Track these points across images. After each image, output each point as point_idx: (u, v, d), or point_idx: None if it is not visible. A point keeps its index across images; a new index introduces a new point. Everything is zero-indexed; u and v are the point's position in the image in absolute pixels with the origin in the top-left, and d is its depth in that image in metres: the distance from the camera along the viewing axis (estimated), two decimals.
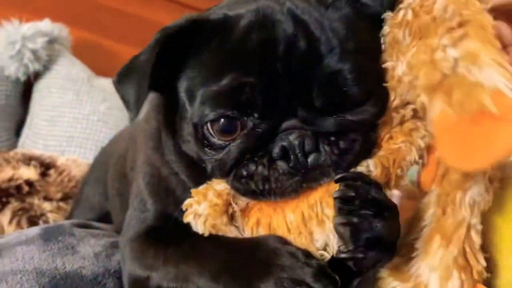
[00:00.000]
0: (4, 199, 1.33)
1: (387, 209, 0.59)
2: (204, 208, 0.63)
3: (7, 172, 1.40)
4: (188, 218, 0.64)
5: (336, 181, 0.59)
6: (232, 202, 0.63)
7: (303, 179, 0.59)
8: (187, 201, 0.65)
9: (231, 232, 0.63)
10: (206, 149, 0.64)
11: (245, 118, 0.60)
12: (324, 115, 0.60)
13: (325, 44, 0.59)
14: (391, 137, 0.62)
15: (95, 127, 1.84)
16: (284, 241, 0.60)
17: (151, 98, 0.78)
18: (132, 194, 0.80)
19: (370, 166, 0.60)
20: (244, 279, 0.59)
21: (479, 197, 0.62)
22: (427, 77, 0.55)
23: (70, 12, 2.02)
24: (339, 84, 0.59)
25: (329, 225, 0.58)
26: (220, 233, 0.63)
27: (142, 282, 0.67)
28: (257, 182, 0.60)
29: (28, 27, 1.81)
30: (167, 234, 0.68)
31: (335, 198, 0.57)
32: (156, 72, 0.63)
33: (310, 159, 0.59)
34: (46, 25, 1.86)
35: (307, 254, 0.58)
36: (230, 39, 0.62)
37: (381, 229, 0.57)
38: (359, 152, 0.60)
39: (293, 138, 0.59)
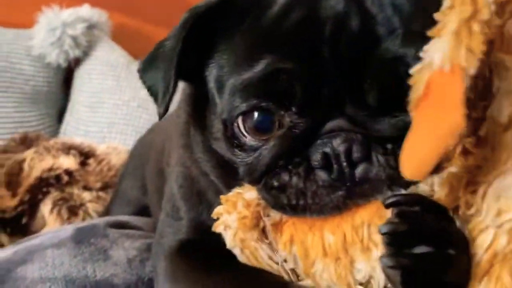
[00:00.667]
0: (44, 189, 1.33)
1: (453, 245, 0.45)
2: (233, 220, 0.53)
3: (48, 161, 1.40)
4: (218, 228, 0.55)
5: (387, 206, 0.46)
6: (262, 215, 0.53)
7: (347, 195, 0.48)
8: (217, 209, 0.56)
9: (262, 249, 0.53)
10: (236, 150, 0.54)
11: (282, 113, 0.50)
12: (379, 114, 0.48)
13: (384, 23, 0.48)
14: (466, 151, 0.48)
15: (135, 113, 1.83)
16: None
17: (183, 87, 0.70)
18: (165, 195, 0.74)
19: (435, 185, 0.47)
20: None
21: None
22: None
23: None
24: (399, 75, 0.45)
25: (377, 254, 0.46)
26: (251, 250, 0.53)
27: None
28: (290, 196, 0.49)
29: (69, 14, 1.81)
30: (203, 253, 0.60)
31: (382, 234, 0.44)
32: (185, 58, 0.55)
33: (359, 170, 0.47)
34: (85, 11, 1.85)
35: None
36: (265, 18, 0.52)
37: (442, 272, 0.44)
38: None
39: (338, 143, 0.47)
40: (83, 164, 1.46)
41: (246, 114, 0.51)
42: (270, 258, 0.53)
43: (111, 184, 1.47)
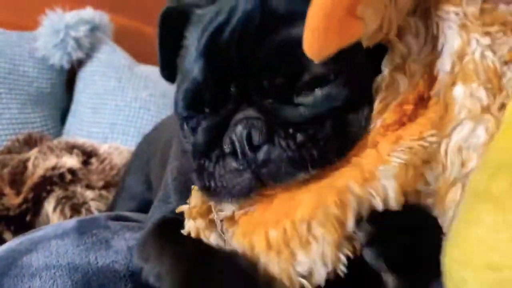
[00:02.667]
0: (48, 187, 1.35)
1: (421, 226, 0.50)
2: (191, 210, 0.58)
3: (51, 161, 1.42)
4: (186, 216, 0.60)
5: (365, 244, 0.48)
6: (213, 209, 0.56)
7: (254, 177, 0.51)
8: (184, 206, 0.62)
9: (213, 239, 0.56)
10: (186, 144, 0.64)
11: (201, 116, 0.57)
12: (282, 101, 0.52)
13: (282, 10, 0.53)
14: (401, 122, 0.51)
15: (137, 114, 1.85)
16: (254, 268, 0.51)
17: None
18: (162, 185, 0.79)
19: (388, 191, 0.48)
20: None
21: None
22: None
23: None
24: (289, 55, 0.50)
25: (317, 249, 0.47)
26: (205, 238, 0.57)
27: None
28: (204, 179, 0.55)
29: (71, 16, 1.83)
30: (178, 229, 0.63)
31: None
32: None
33: (260, 153, 0.50)
34: (88, 13, 1.88)
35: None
36: (205, 32, 0.59)
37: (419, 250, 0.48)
38: (326, 144, 0.50)
39: (239, 129, 0.51)
40: (86, 163, 1.48)
41: (186, 120, 0.60)
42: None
43: (113, 183, 1.49)
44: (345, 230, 0.47)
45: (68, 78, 1.94)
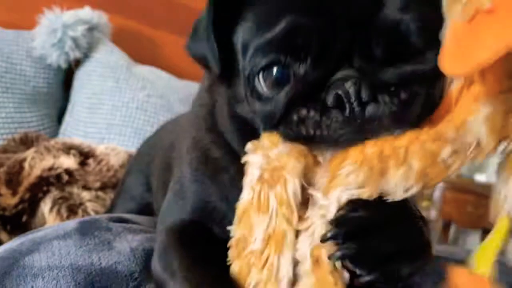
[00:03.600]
0: (45, 188, 1.34)
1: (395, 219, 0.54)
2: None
3: (48, 161, 1.41)
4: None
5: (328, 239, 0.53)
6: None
7: (358, 130, 0.54)
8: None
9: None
10: (257, 102, 0.60)
11: (299, 65, 0.55)
12: (383, 65, 0.54)
13: None
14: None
15: (134, 115, 1.85)
16: None
17: (203, 79, 0.78)
18: (173, 180, 0.78)
19: (480, 136, 0.52)
20: None
21: None
22: None
23: None
24: (401, 33, 0.53)
25: (404, 172, 0.53)
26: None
27: (161, 282, 0.63)
28: (308, 127, 0.55)
29: (69, 15, 1.83)
30: (201, 238, 0.64)
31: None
32: (216, 30, 0.61)
33: (368, 109, 0.53)
34: (86, 13, 1.87)
35: None
36: None
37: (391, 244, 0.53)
38: (422, 106, 0.54)
39: (348, 86, 0.53)
40: (82, 164, 1.47)
41: (266, 69, 0.57)
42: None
43: (109, 184, 1.48)
44: (437, 161, 0.52)
45: (66, 77, 1.93)
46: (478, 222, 2.60)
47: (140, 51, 2.06)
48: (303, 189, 0.56)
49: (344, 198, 0.54)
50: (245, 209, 0.57)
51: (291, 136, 0.57)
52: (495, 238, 0.53)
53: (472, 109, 0.53)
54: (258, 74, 0.58)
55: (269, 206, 0.55)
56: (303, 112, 0.55)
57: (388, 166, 0.53)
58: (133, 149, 1.64)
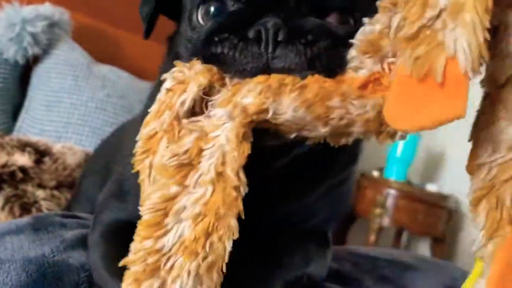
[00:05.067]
0: None
1: None
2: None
3: (2, 158, 1.38)
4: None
5: None
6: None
7: (267, 65, 0.57)
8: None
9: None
10: (189, 31, 0.65)
11: (233, 4, 0.61)
12: (307, 16, 0.59)
13: None
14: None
15: (93, 114, 1.83)
16: None
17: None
18: (110, 180, 0.78)
19: (367, 106, 0.53)
20: None
21: None
22: (407, 28, 0.50)
23: None
24: None
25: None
26: None
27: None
28: (224, 46, 0.58)
29: (29, 10, 1.79)
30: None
31: None
32: None
33: (279, 48, 0.56)
34: (47, 8, 1.84)
35: None
36: None
37: None
38: (327, 62, 0.57)
39: (270, 25, 0.57)
40: (38, 162, 1.45)
41: (204, 3, 0.63)
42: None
43: (65, 183, 1.46)
44: (325, 103, 0.53)
45: (23, 73, 1.89)
46: (429, 230, 2.70)
47: (101, 50, 2.04)
48: (202, 101, 0.57)
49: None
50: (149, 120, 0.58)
51: (205, 56, 0.60)
52: (471, 279, 0.55)
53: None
54: (197, 8, 0.63)
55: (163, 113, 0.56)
56: (224, 35, 0.59)
57: (285, 90, 0.54)
58: (90, 149, 1.62)
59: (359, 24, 0.56)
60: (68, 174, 1.49)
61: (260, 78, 0.55)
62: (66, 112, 1.81)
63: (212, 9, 0.62)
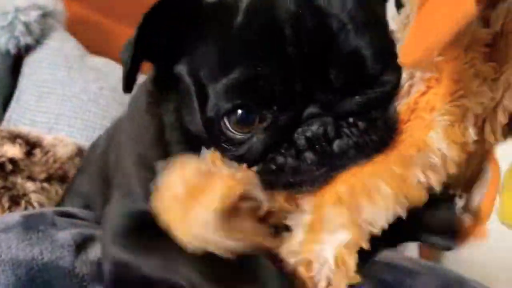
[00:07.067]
0: None
1: None
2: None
3: None
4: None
5: None
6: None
7: (331, 168, 0.57)
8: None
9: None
10: (225, 144, 0.61)
11: (264, 112, 0.58)
12: (344, 95, 0.57)
13: (335, 19, 0.56)
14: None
15: (85, 107, 1.80)
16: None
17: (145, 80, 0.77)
18: (119, 179, 0.77)
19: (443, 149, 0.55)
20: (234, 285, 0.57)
21: None
22: None
23: None
24: (358, 62, 0.56)
25: (382, 202, 0.55)
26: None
27: (124, 268, 0.64)
28: (288, 174, 0.57)
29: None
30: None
31: None
32: (153, 41, 0.64)
33: (335, 145, 0.56)
34: None
35: None
36: (233, 26, 0.59)
37: None
38: (382, 130, 0.57)
39: (315, 128, 0.56)
40: (28, 154, 1.43)
41: (231, 112, 0.59)
42: None
43: (55, 176, 1.45)
44: (407, 186, 0.54)
45: (14, 62, 1.86)
46: None
47: (95, 42, 2.01)
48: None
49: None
50: None
51: (272, 184, 0.59)
52: None
53: (429, 122, 0.56)
54: (223, 118, 0.60)
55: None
56: (280, 159, 0.58)
57: (361, 202, 0.55)
58: (82, 142, 1.60)
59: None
60: (59, 167, 1.47)
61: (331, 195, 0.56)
62: (58, 103, 1.78)
63: (239, 115, 0.59)
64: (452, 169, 0.56)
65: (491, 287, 0.99)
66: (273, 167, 0.58)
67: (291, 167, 0.57)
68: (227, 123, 0.60)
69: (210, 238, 0.52)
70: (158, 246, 0.62)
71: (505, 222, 0.58)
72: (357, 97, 0.57)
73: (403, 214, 0.55)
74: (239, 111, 0.59)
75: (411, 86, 0.58)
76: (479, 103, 0.56)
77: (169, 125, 0.70)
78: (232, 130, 0.60)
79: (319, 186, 0.58)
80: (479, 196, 0.60)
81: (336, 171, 0.57)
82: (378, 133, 0.57)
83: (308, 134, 0.56)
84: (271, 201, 0.58)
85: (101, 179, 0.96)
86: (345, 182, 0.57)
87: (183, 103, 0.67)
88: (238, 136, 0.60)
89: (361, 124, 0.57)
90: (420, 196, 0.55)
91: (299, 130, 0.57)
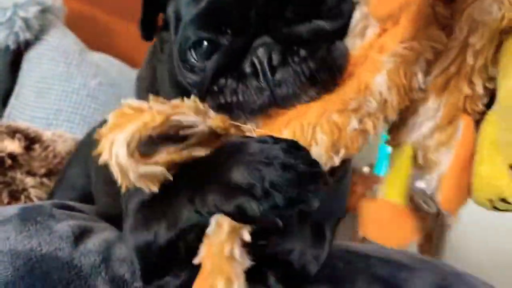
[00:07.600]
0: None
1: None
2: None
3: None
4: None
5: None
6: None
7: (273, 96, 0.57)
8: None
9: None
10: (189, 74, 0.64)
11: (222, 37, 0.60)
12: (296, 25, 0.58)
13: None
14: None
15: (84, 102, 1.81)
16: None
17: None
18: None
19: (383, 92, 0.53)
20: (214, 174, 0.53)
21: None
22: None
23: None
24: None
25: (315, 151, 0.53)
26: None
27: (147, 250, 0.60)
28: (226, 95, 0.59)
29: None
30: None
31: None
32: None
33: (279, 73, 0.57)
34: None
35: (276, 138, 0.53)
36: None
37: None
38: (322, 62, 0.56)
39: (261, 53, 0.57)
40: (28, 149, 1.43)
41: (197, 43, 0.62)
42: None
43: (55, 171, 1.45)
44: (346, 132, 0.53)
45: (13, 58, 1.86)
46: None
47: (94, 37, 2.01)
48: None
49: None
50: None
51: (214, 107, 0.59)
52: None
53: (376, 65, 0.54)
54: (190, 48, 0.63)
55: None
56: (222, 81, 0.59)
57: None
58: (81, 137, 1.61)
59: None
60: (58, 162, 1.48)
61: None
62: (57, 99, 1.78)
63: (204, 46, 0.62)
64: (392, 115, 0.54)
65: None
66: (215, 88, 0.60)
67: (229, 87, 0.59)
68: (193, 54, 0.63)
69: (124, 166, 0.52)
70: (155, 212, 0.60)
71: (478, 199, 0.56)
72: (307, 23, 0.58)
73: (338, 163, 0.54)
74: (204, 42, 0.62)
75: (365, 27, 0.57)
76: (431, 47, 0.54)
77: (159, 76, 0.73)
78: (196, 60, 0.63)
79: (258, 115, 0.58)
80: (445, 160, 0.57)
81: (278, 103, 0.57)
82: (318, 62, 0.56)
83: (253, 58, 0.57)
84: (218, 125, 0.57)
85: (101, 174, 0.95)
86: (288, 126, 0.56)
87: (172, 53, 0.69)
88: (200, 64, 0.63)
89: (302, 51, 0.57)
90: (356, 145, 0.54)
91: (248, 56, 0.58)
